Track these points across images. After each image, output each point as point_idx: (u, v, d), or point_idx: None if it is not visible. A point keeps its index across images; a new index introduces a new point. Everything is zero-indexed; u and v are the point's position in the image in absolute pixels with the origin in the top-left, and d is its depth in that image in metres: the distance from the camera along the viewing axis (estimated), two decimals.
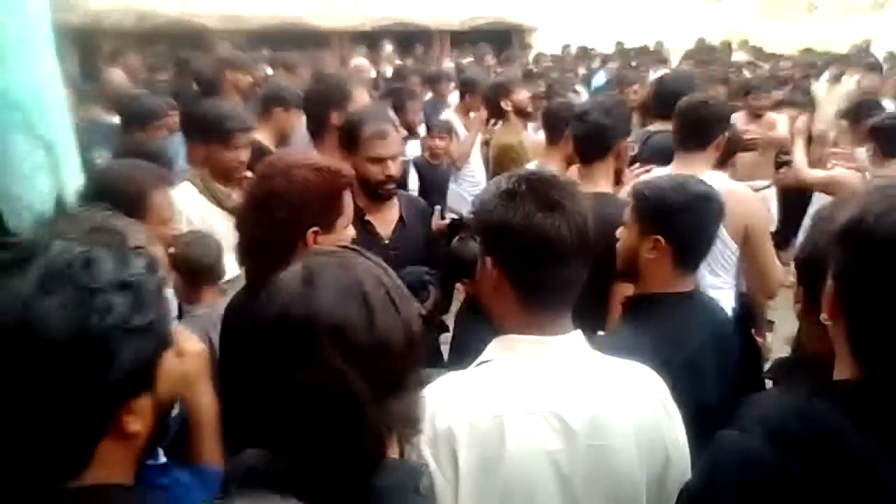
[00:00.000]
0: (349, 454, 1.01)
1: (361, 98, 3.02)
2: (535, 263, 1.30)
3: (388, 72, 8.46)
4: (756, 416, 1.05)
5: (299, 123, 4.27)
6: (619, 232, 2.01)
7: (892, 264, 0.93)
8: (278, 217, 1.71)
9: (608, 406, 1.32)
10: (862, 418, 0.95)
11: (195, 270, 2.39)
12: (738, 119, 5.38)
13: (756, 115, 5.30)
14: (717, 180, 2.67)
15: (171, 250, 2.27)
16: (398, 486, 1.07)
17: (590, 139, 2.72)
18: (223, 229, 2.57)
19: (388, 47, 11.86)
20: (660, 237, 1.86)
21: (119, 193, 1.90)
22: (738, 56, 12.07)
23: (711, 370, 1.80)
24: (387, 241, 2.58)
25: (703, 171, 2.69)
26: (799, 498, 0.94)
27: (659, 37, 14.32)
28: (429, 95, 6.48)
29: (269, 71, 6.26)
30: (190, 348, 1.37)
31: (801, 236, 3.53)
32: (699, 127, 2.82)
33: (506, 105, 4.61)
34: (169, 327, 0.99)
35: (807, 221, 3.67)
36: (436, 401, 1.28)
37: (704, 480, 1.08)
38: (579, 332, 1.39)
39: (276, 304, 1.02)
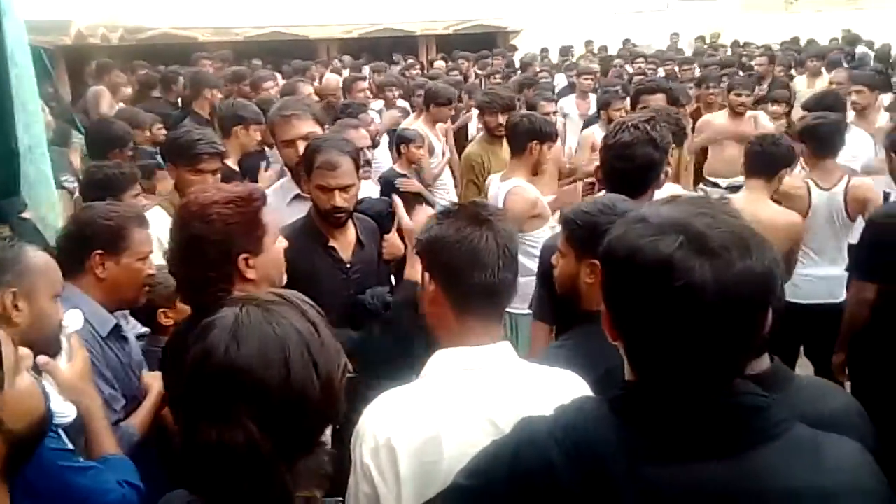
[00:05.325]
0: None
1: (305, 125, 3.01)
2: (467, 272, 1.44)
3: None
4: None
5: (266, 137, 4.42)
6: (555, 259, 2.05)
7: (634, 289, 1.03)
8: (210, 258, 1.76)
9: (536, 409, 1.39)
10: (623, 413, 1.07)
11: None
12: (722, 117, 5.58)
13: (737, 112, 5.46)
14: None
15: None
16: None
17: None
18: None
19: (346, 58, 12.30)
20: (595, 261, 1.84)
21: (100, 229, 2.02)
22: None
23: None
24: (348, 265, 2.67)
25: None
26: (549, 479, 1.05)
27: (636, 34, 14.46)
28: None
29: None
30: (72, 367, 1.71)
31: None
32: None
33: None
34: None
35: None
36: (377, 414, 1.41)
37: (497, 446, 1.17)
38: (507, 342, 1.51)
39: (202, 350, 1.07)
